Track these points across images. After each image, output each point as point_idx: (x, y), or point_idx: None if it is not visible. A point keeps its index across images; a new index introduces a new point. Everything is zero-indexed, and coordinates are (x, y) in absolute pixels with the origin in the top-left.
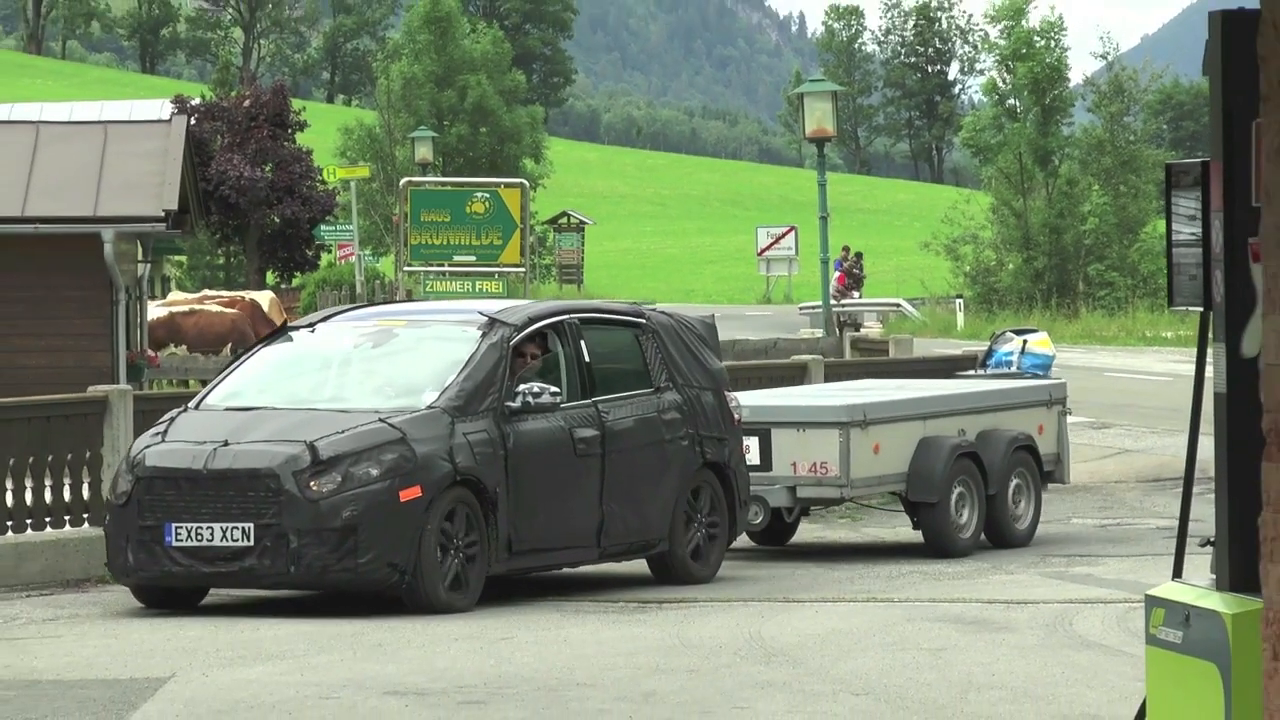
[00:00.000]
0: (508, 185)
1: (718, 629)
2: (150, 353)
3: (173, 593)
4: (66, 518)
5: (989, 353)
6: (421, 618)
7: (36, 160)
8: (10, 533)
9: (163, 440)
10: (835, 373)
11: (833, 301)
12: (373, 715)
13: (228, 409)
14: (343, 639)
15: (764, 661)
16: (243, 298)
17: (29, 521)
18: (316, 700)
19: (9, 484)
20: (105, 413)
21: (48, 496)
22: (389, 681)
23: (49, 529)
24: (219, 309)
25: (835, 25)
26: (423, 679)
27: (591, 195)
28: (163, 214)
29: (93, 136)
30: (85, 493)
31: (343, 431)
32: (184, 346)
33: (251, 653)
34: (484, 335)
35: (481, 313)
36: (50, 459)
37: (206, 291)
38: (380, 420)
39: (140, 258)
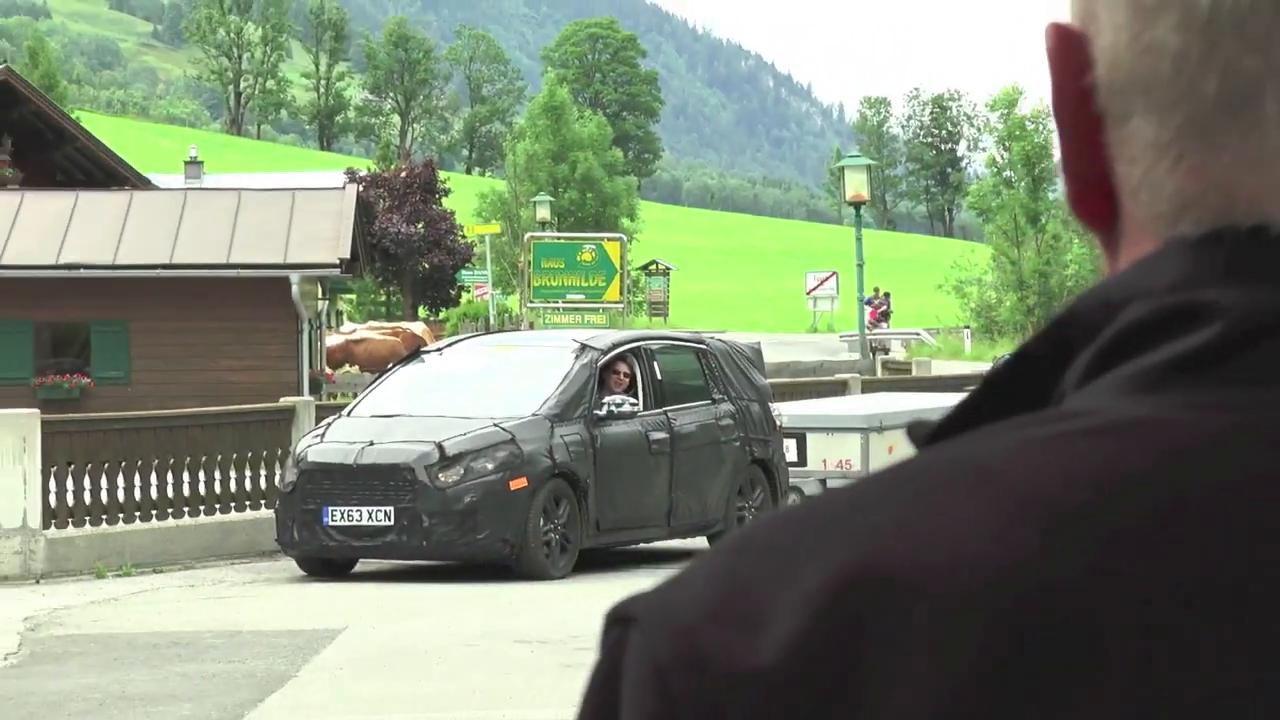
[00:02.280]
0: (610, 239)
1: None
2: (327, 371)
3: (328, 563)
4: (262, 501)
5: None
6: (539, 582)
7: (239, 220)
8: (218, 513)
9: (321, 440)
10: (869, 388)
11: (866, 331)
12: (505, 659)
13: (374, 416)
14: (479, 599)
15: None
16: (402, 328)
17: (233, 504)
18: (461, 647)
19: (218, 474)
20: (293, 419)
21: (247, 484)
22: (518, 632)
23: (248, 510)
24: (382, 337)
25: (868, 112)
26: (544, 630)
27: (675, 247)
28: (338, 261)
29: (283, 201)
30: (277, 481)
31: (465, 434)
32: (356, 367)
33: (408, 609)
34: (577, 358)
35: (575, 339)
36: (249, 454)
37: (371, 322)
38: (495, 425)
39: (320, 295)
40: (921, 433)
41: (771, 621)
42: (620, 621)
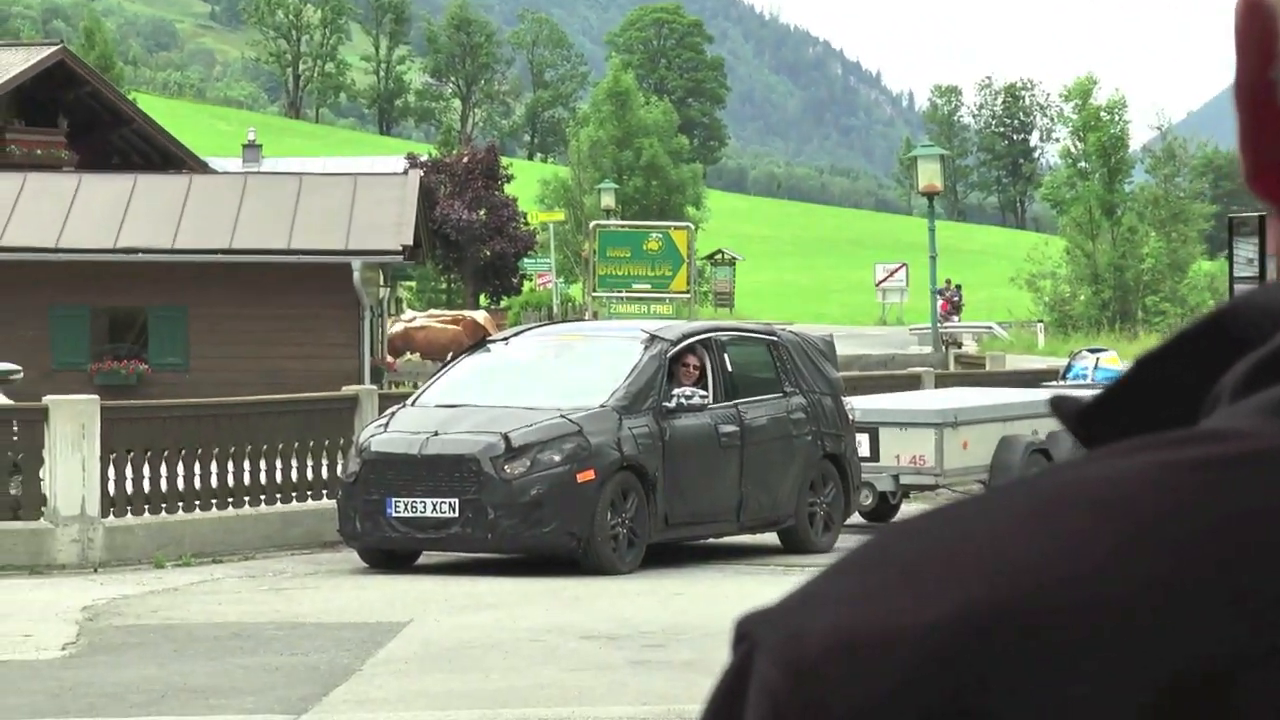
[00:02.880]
0: (677, 228)
1: None
2: (389, 359)
3: (391, 555)
4: (324, 491)
5: (1068, 367)
6: (606, 577)
7: (300, 205)
8: (279, 503)
9: (385, 430)
10: (942, 382)
11: (938, 324)
12: (573, 655)
13: (438, 405)
14: (545, 593)
15: None
16: (464, 315)
17: (294, 494)
18: (527, 642)
19: (279, 464)
20: (356, 407)
21: (309, 474)
22: (584, 627)
23: (310, 500)
24: (443, 325)
25: (939, 100)
26: (612, 626)
27: (741, 236)
28: (400, 248)
29: (345, 186)
30: (339, 471)
31: (531, 425)
32: (417, 354)
33: (473, 603)
34: (646, 349)
35: (644, 330)
36: (311, 444)
37: (432, 310)
38: (562, 416)
39: (381, 283)
40: (1070, 409)
41: (897, 653)
42: (748, 640)
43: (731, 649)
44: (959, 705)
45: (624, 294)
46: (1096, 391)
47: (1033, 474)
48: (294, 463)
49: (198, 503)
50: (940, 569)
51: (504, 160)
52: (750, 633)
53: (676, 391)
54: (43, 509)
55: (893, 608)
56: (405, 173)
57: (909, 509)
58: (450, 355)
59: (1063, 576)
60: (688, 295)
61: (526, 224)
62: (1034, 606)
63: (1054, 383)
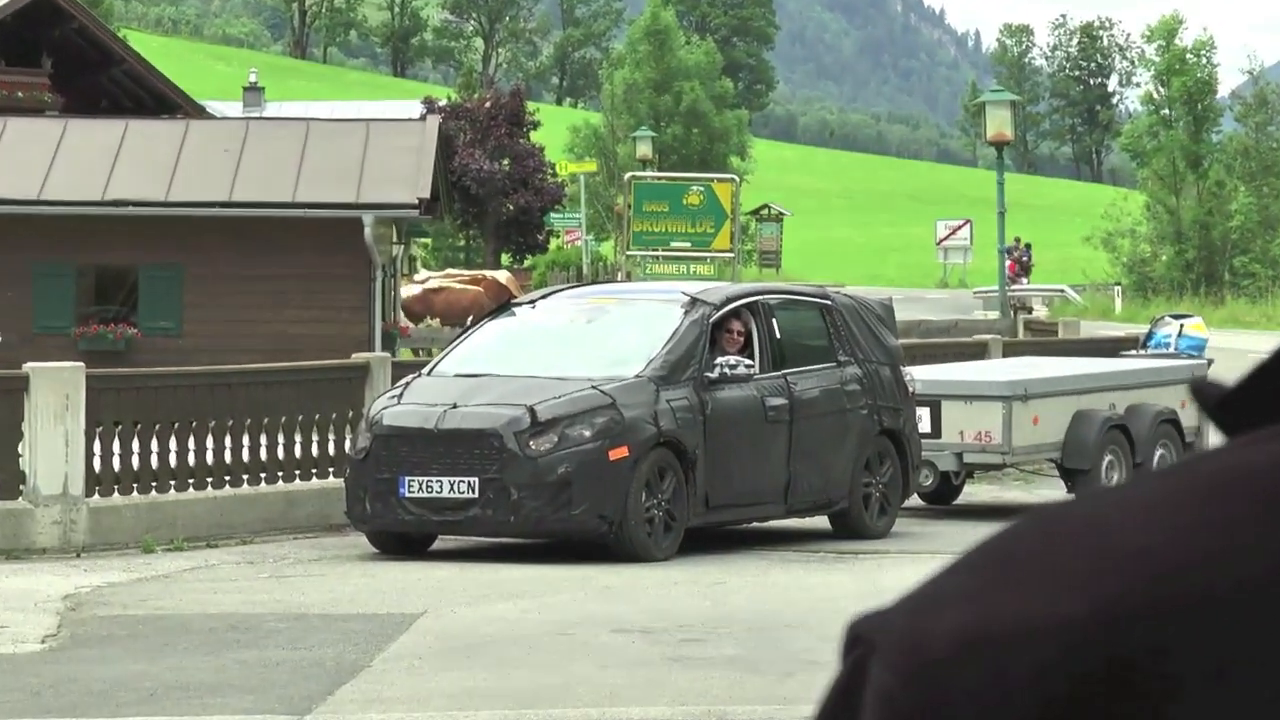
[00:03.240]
0: (720, 180)
1: (909, 577)
2: (403, 324)
3: (404, 539)
4: (330, 469)
5: (1149, 334)
6: (640, 565)
7: (307, 153)
8: (281, 482)
9: (399, 402)
10: (1011, 351)
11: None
12: (604, 650)
13: (457, 375)
14: (573, 581)
15: None
16: (484, 275)
17: (298, 472)
18: (554, 635)
19: (281, 438)
20: (367, 377)
21: (314, 450)
22: (617, 620)
23: (315, 479)
24: (463, 286)
25: (1008, 41)
26: (647, 618)
27: (789, 190)
28: (416, 202)
29: (356, 133)
30: (347, 447)
31: (559, 397)
32: (436, 320)
33: (494, 592)
34: (686, 313)
35: (684, 293)
36: (317, 417)
37: (449, 270)
38: (593, 387)
39: (395, 240)
40: (1212, 394)
41: (1025, 657)
42: (861, 644)
43: (842, 655)
44: (1095, 704)
45: (661, 253)
46: (1239, 377)
47: (1171, 464)
48: (298, 437)
49: (191, 481)
50: (1075, 562)
51: (530, 105)
52: (865, 636)
53: (719, 360)
54: (21, 488)
55: (1024, 603)
56: (422, 118)
57: (973, 490)
58: (470, 320)
59: (1207, 568)
60: (731, 254)
61: (554, 175)
62: (1177, 599)
63: (1133, 352)
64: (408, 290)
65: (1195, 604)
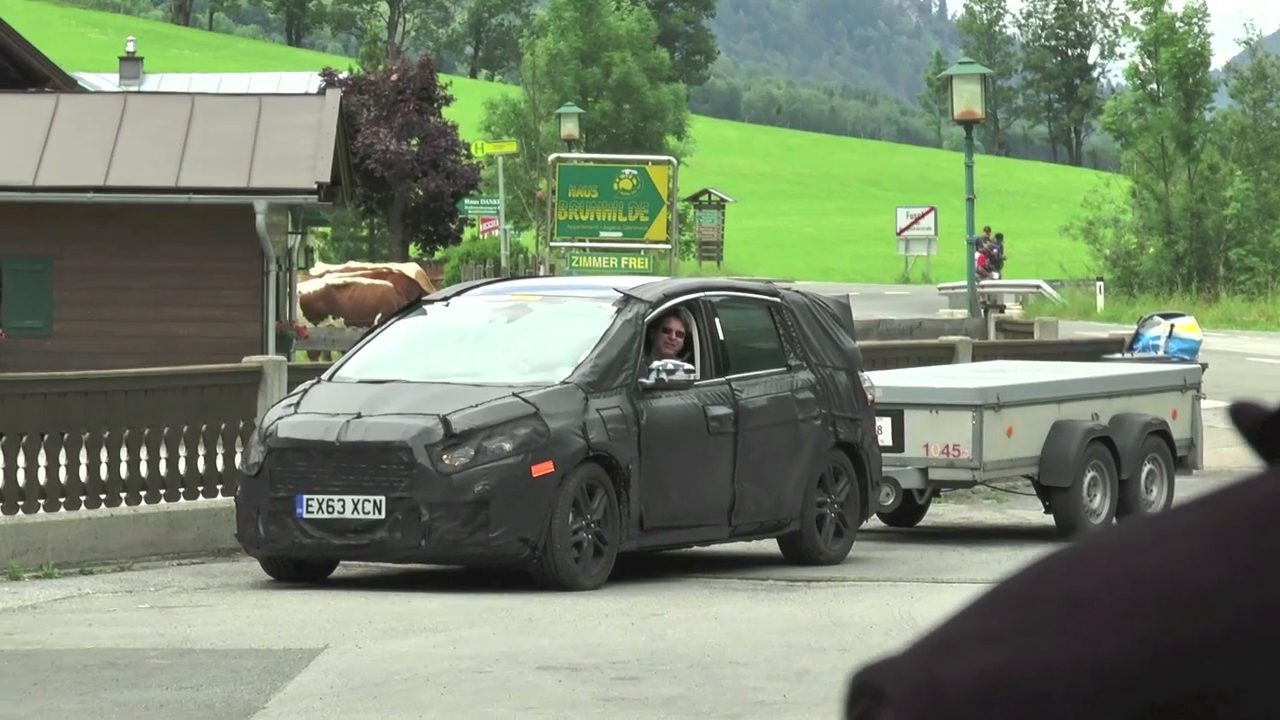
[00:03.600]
0: (656, 162)
1: (868, 608)
2: (300, 324)
3: (302, 565)
4: (219, 487)
5: (1136, 336)
6: (570, 593)
7: (191, 132)
8: (164, 501)
9: (296, 411)
10: (982, 354)
11: (975, 282)
12: (527, 690)
13: (361, 381)
14: (493, 613)
15: None
16: (390, 269)
17: (182, 490)
18: (470, 674)
19: (163, 452)
20: (260, 383)
21: (201, 466)
22: (542, 656)
23: (202, 498)
24: (370, 281)
25: (976, 8)
26: (575, 654)
27: (732, 173)
28: (314, 186)
29: (247, 109)
30: (238, 462)
31: (476, 405)
32: (341, 319)
33: (403, 625)
34: (619, 311)
35: (616, 289)
36: (204, 428)
37: (351, 264)
38: (514, 395)
39: (290, 229)
40: (1253, 418)
41: (1055, 705)
42: (868, 694)
43: (846, 707)
44: None
45: (589, 244)
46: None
47: (1209, 491)
48: (182, 451)
49: (63, 500)
50: (1109, 599)
51: (441, 78)
52: (873, 686)
53: (656, 365)
54: None
55: (1053, 645)
56: (320, 93)
57: (939, 510)
58: (378, 319)
59: (1264, 607)
60: (668, 245)
61: (469, 157)
62: (1224, 639)
63: (1118, 355)
64: (307, 286)
65: (1246, 644)
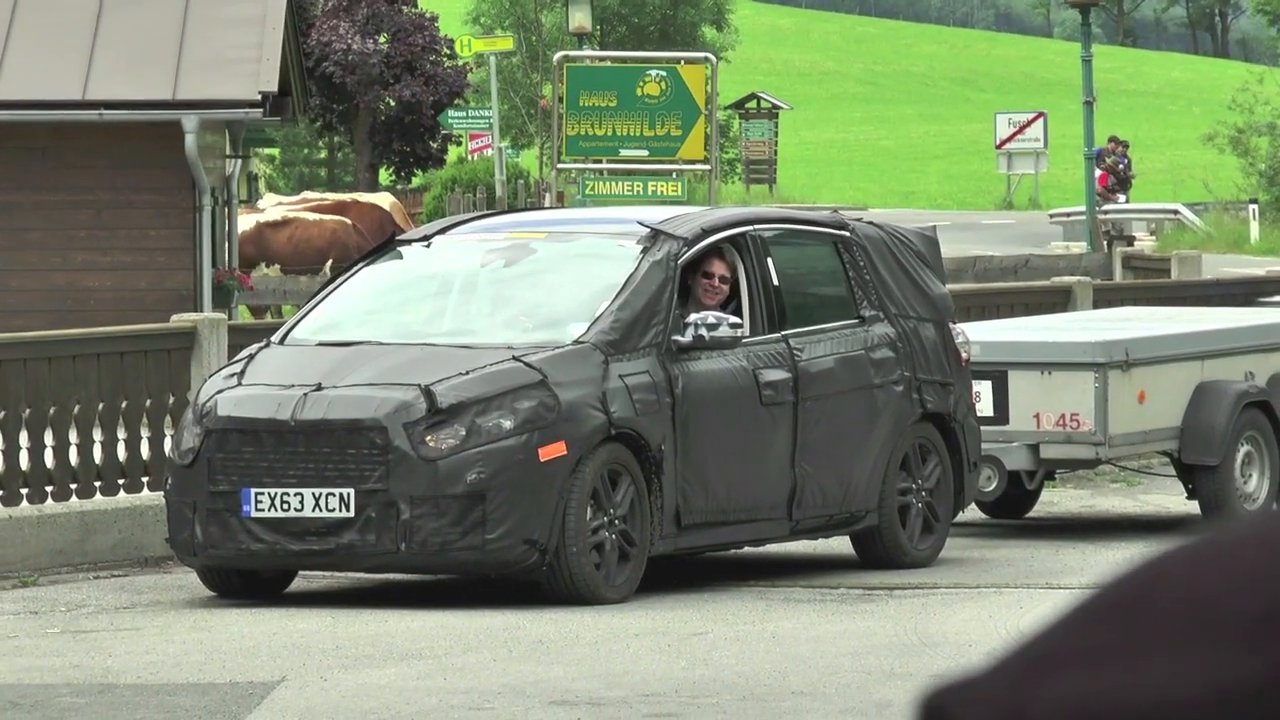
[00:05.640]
0: (689, 60)
1: (965, 623)
2: (240, 272)
3: (252, 577)
4: (144, 480)
5: None
6: (588, 608)
7: (101, 30)
8: (75, 498)
9: (239, 383)
10: (1106, 298)
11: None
12: None
13: (320, 344)
14: (494, 634)
15: None
16: (355, 200)
17: (98, 485)
18: (465, 711)
19: (74, 438)
20: (193, 347)
21: (121, 453)
22: (555, 688)
23: (123, 494)
24: (317, 217)
25: None
26: (597, 685)
27: (786, 73)
28: (259, 97)
29: (171, 0)
30: (167, 449)
31: (467, 373)
32: (276, 266)
33: (380, 651)
34: (645, 251)
35: (642, 223)
36: (124, 406)
37: (307, 194)
38: (514, 359)
39: (229, 152)
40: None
41: None
42: (939, 718)
43: None
44: None
45: (607, 165)
46: None
47: None
48: (97, 436)
49: None
50: (1240, 611)
51: None
52: (945, 711)
53: (694, 318)
54: None
55: (1166, 670)
56: None
57: (1054, 497)
58: (329, 265)
59: None
60: (707, 167)
61: (453, 57)
62: None
63: (1277, 298)
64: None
65: None
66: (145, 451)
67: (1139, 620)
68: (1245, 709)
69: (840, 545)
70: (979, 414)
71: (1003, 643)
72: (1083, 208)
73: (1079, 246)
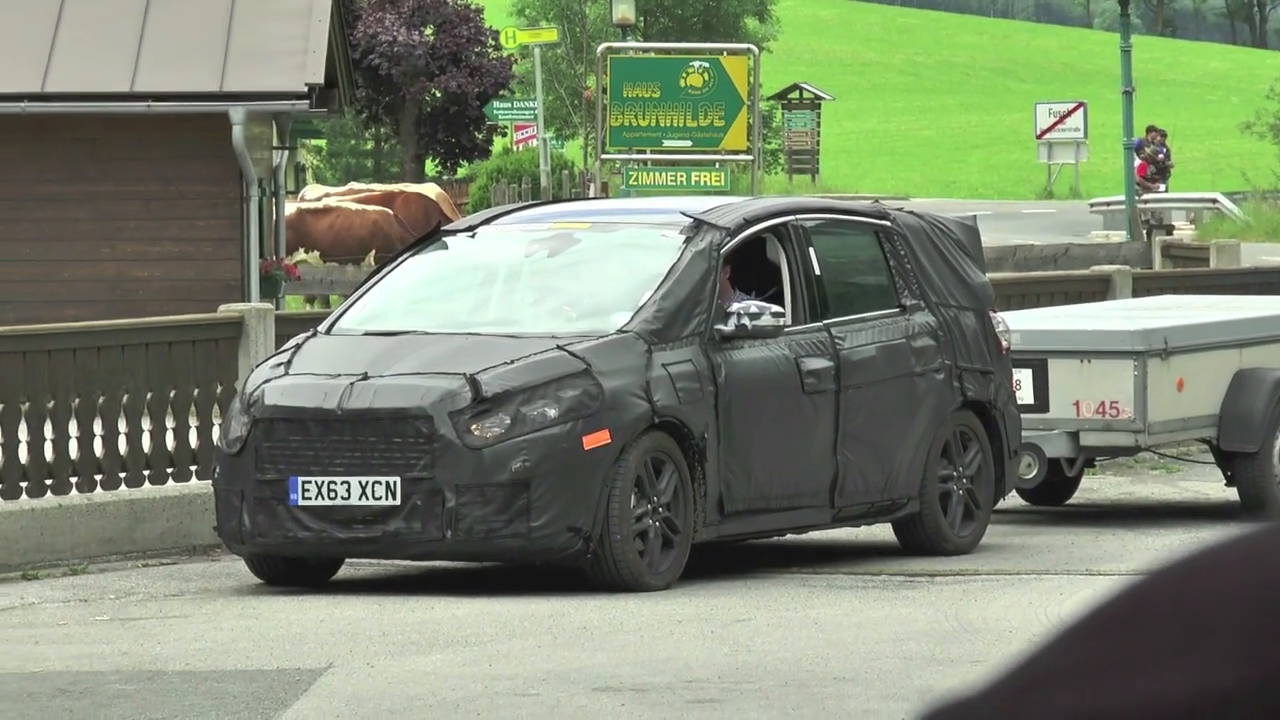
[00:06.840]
0: (732, 52)
1: (1005, 609)
2: (288, 261)
3: (299, 564)
4: (193, 469)
5: None
6: (633, 594)
7: (149, 22)
8: (125, 487)
9: (286, 373)
10: (1145, 287)
11: (1136, 196)
12: (581, 717)
13: (367, 334)
14: (539, 621)
15: None
16: (401, 190)
17: (147, 474)
18: (510, 697)
19: (123, 427)
20: (240, 337)
21: (169, 443)
22: (599, 674)
23: (171, 482)
24: (359, 207)
25: None
26: (641, 671)
27: (828, 63)
28: (305, 89)
29: None
30: (215, 438)
31: (512, 362)
32: (315, 253)
33: (426, 638)
34: (688, 241)
35: (685, 213)
36: (173, 395)
37: (354, 185)
38: (559, 348)
39: (276, 143)
40: None
41: None
42: None
43: None
44: None
45: (651, 156)
46: None
47: None
48: (145, 425)
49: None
50: (1229, 622)
51: None
52: None
53: (736, 308)
54: None
55: (1159, 680)
56: None
57: (1094, 484)
58: (372, 255)
59: None
60: (749, 157)
61: (498, 48)
62: None
63: None
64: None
65: None
66: (194, 440)
67: (1131, 635)
68: (1234, 712)
69: (882, 532)
70: (1019, 402)
71: (1041, 629)
72: (1122, 197)
73: (1119, 235)
